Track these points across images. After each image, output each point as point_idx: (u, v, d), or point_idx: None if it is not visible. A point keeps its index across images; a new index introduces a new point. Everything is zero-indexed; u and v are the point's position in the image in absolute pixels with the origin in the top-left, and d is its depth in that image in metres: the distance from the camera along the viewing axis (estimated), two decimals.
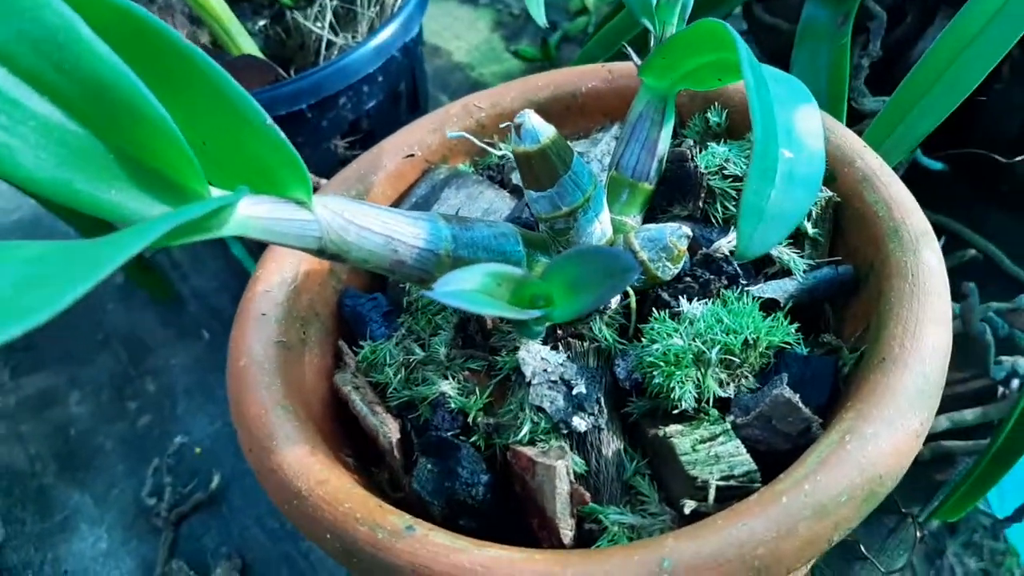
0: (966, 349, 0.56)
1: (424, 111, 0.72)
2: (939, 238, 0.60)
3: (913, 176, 0.64)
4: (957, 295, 0.55)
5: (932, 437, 0.54)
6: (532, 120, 0.33)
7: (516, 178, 0.46)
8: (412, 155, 0.47)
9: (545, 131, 0.33)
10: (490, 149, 0.39)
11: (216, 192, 0.29)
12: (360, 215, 0.32)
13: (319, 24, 0.60)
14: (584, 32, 0.94)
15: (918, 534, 0.50)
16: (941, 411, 0.54)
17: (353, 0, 0.62)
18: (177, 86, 0.28)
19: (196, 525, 0.62)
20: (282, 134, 0.30)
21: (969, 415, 0.54)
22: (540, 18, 0.54)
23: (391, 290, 0.44)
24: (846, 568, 0.51)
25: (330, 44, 0.61)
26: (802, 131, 0.31)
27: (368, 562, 0.30)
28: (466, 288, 0.29)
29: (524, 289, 0.31)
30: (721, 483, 0.31)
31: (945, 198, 0.70)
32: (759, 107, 0.29)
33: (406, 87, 0.66)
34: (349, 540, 0.30)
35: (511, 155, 0.46)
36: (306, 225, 0.31)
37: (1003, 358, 0.54)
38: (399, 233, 0.33)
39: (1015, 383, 0.54)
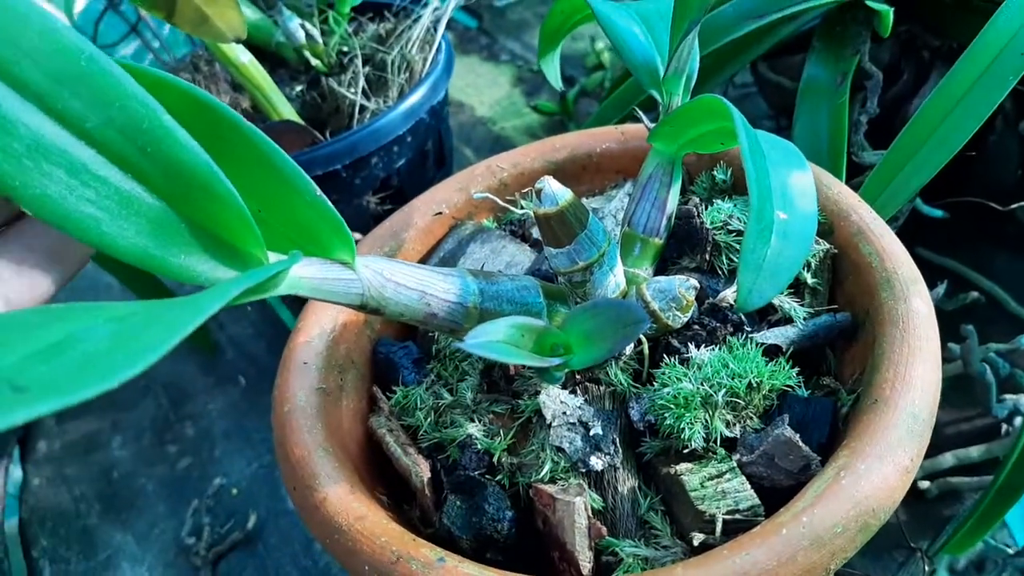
0: (970, 388, 0.58)
1: (449, 166, 0.76)
2: (944, 281, 0.63)
3: (919, 221, 0.66)
4: (958, 337, 0.57)
5: (939, 474, 0.56)
6: (551, 185, 0.37)
7: (536, 233, 0.50)
8: (440, 212, 0.51)
9: (563, 194, 0.37)
10: (512, 208, 0.42)
11: (272, 256, 0.32)
12: (397, 273, 0.36)
13: (352, 90, 0.65)
14: (600, 87, 0.98)
15: (927, 568, 0.51)
16: (947, 448, 0.56)
17: (384, 67, 0.66)
18: (239, 161, 0.32)
19: (234, 563, 0.65)
20: (329, 203, 0.33)
21: (974, 452, 0.56)
22: (556, 82, 0.58)
23: (421, 339, 0.48)
24: None
25: (363, 108, 0.65)
26: (795, 193, 0.34)
27: None
28: (493, 340, 0.32)
29: (545, 339, 0.35)
30: (727, 517, 0.34)
31: (952, 241, 0.73)
32: (754, 173, 0.32)
33: (433, 145, 0.70)
34: (385, 572, 0.33)
35: (531, 214, 0.49)
36: (350, 284, 0.34)
37: (1006, 396, 0.56)
38: (432, 288, 0.37)
39: (1017, 420, 0.56)
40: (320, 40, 0.69)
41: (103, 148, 0.29)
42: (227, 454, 0.73)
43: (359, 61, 0.67)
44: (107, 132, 0.29)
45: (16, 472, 0.77)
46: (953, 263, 0.71)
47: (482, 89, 1.06)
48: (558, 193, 0.37)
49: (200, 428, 0.76)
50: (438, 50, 0.67)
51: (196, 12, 0.47)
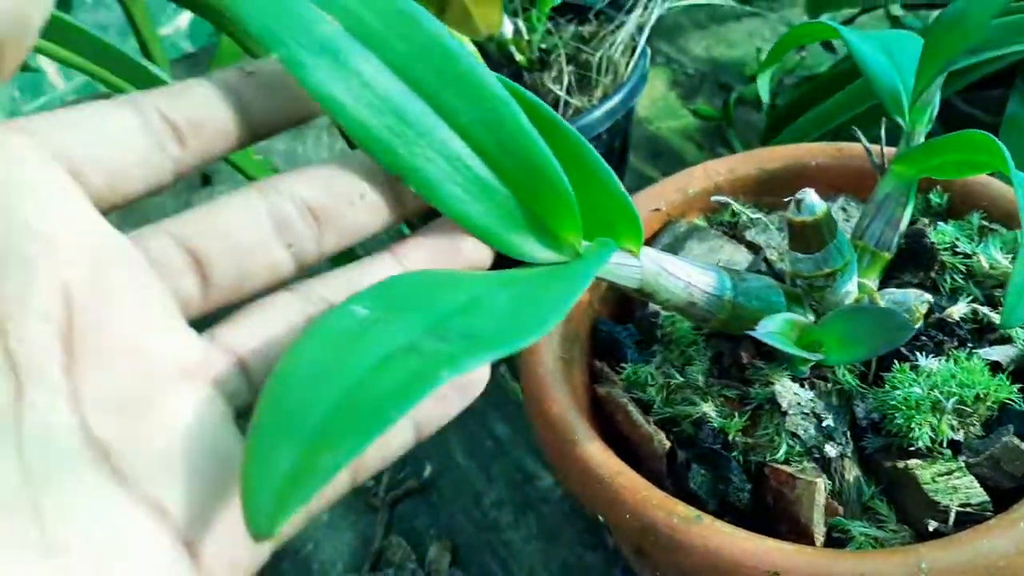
0: None
1: (625, 165, 0.80)
2: None
3: None
4: None
5: None
6: (811, 197, 0.41)
7: (750, 235, 0.54)
8: (658, 209, 0.56)
9: (820, 206, 0.41)
10: (743, 211, 0.46)
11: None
12: (669, 264, 0.41)
13: (558, 86, 0.70)
14: (759, 97, 1.01)
15: None
16: None
17: (586, 67, 0.71)
18: (560, 156, 0.37)
19: (409, 508, 0.71)
20: (628, 197, 0.38)
21: None
22: (765, 95, 0.62)
23: (638, 323, 0.52)
24: None
25: (566, 104, 0.70)
26: None
27: (665, 541, 0.38)
28: (774, 330, 0.36)
29: (806, 335, 0.39)
30: (960, 509, 0.37)
31: None
32: None
33: (619, 145, 0.75)
34: (648, 521, 0.38)
35: (761, 218, 0.53)
36: (634, 270, 0.39)
37: None
38: (695, 280, 0.41)
39: None
40: (526, 35, 0.74)
41: (471, 140, 0.34)
42: None
43: (563, 59, 0.72)
44: (476, 127, 0.34)
45: None
46: None
47: None
48: (816, 204, 0.41)
49: None
50: (641, 55, 0.71)
51: (463, 11, 0.53)
